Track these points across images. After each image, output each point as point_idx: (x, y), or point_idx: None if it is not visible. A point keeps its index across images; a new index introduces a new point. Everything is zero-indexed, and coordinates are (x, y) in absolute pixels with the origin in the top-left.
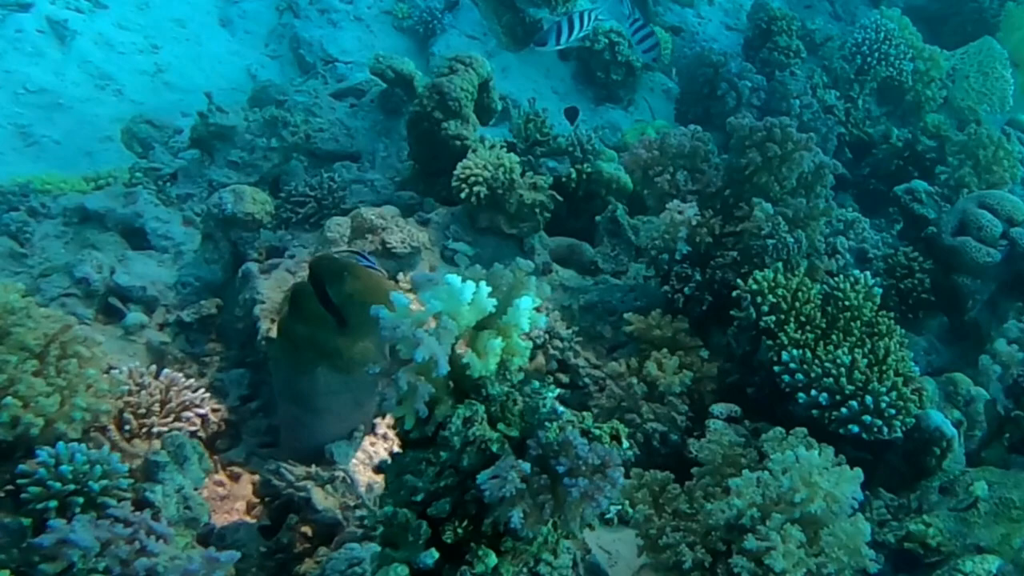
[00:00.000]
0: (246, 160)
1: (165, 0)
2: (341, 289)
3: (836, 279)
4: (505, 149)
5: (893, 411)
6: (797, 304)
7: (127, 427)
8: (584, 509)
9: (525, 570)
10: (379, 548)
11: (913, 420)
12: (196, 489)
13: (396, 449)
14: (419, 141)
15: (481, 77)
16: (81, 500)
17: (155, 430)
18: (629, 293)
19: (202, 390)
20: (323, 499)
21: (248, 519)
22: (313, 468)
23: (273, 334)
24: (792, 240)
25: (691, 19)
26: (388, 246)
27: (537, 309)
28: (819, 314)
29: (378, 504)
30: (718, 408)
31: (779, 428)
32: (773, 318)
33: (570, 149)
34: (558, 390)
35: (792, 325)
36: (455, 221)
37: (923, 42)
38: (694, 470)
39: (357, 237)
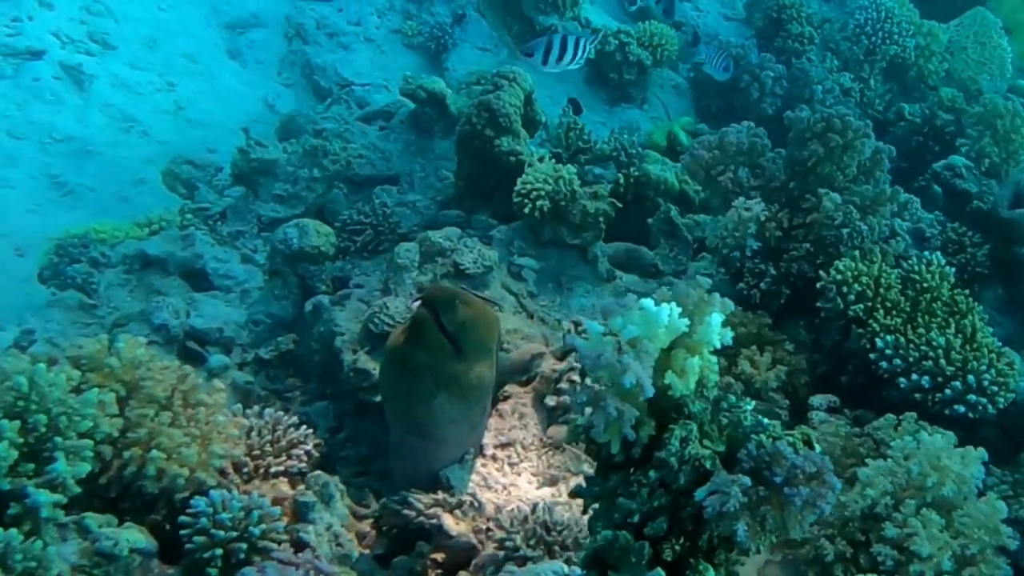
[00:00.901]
0: (290, 192)
1: (171, 36)
2: (454, 317)
3: (910, 262)
4: (553, 160)
5: (995, 388)
6: (881, 291)
7: (245, 469)
8: (806, 516)
9: None
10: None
11: (1013, 395)
12: (343, 526)
13: (588, 473)
14: (471, 159)
15: (525, 91)
16: (245, 546)
17: (272, 470)
18: None
19: (304, 427)
20: (454, 524)
21: (362, 549)
22: (440, 495)
23: (361, 365)
24: (866, 227)
25: (690, 12)
26: (461, 267)
27: None
28: (902, 298)
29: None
30: (817, 399)
31: (890, 415)
32: (861, 306)
33: (614, 154)
34: (754, 402)
35: (880, 312)
36: (518, 236)
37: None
38: None
39: (427, 261)
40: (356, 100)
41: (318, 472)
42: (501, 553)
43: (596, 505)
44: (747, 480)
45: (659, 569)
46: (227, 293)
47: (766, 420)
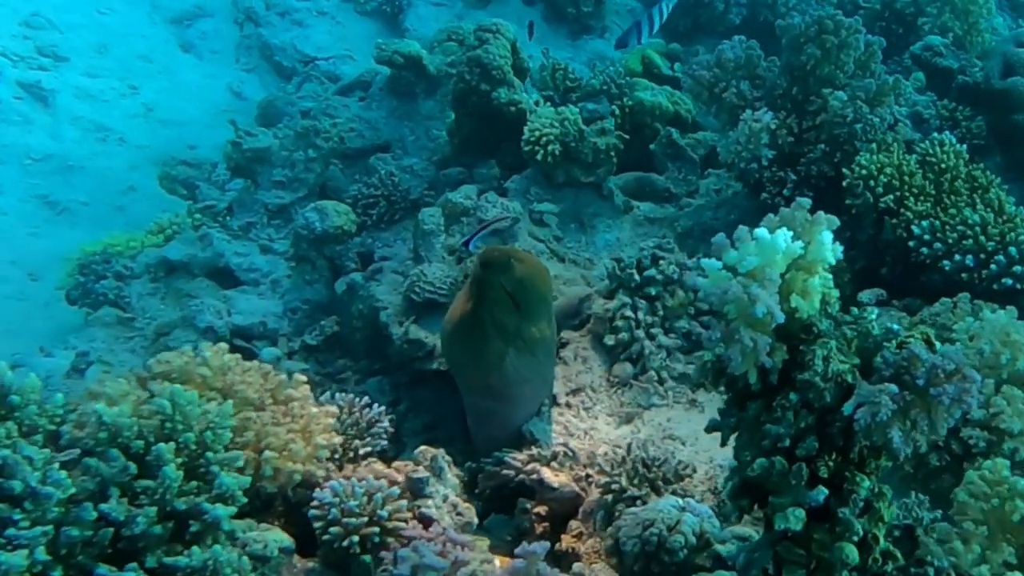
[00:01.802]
0: (290, 176)
1: (120, 39)
2: (512, 276)
3: (923, 145)
4: (548, 104)
5: None
6: (906, 178)
7: (336, 455)
8: (953, 413)
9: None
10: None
11: None
12: (456, 496)
13: (720, 406)
14: (471, 115)
15: (510, 40)
16: (377, 530)
17: (360, 452)
18: (718, 210)
19: (376, 405)
20: (554, 477)
21: None
22: (534, 450)
23: (413, 335)
24: (877, 119)
25: None
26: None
27: None
28: (926, 183)
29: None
30: (865, 295)
31: (945, 299)
32: (891, 197)
33: (604, 88)
34: (878, 310)
35: (911, 199)
36: (532, 183)
37: None
38: None
39: (453, 223)
40: (325, 75)
41: (423, 447)
42: (609, 496)
43: (736, 436)
44: (894, 388)
45: (821, 487)
46: (256, 286)
47: (895, 326)
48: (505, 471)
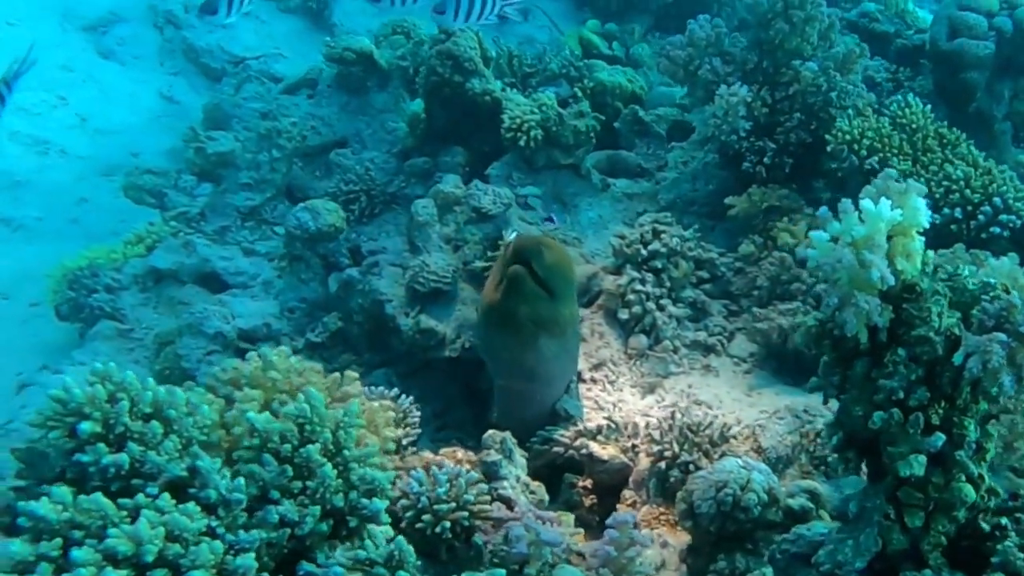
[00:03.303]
0: (256, 178)
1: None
2: (543, 262)
3: (892, 108)
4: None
5: (1020, 204)
6: (886, 140)
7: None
8: None
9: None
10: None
11: None
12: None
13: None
14: (445, 107)
15: (475, 31)
16: (466, 514)
17: (403, 442)
18: (696, 181)
19: (403, 396)
20: (602, 450)
21: None
22: (580, 426)
23: (425, 325)
24: (851, 86)
25: None
26: (482, 210)
27: None
28: (903, 143)
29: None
30: None
31: (942, 250)
32: (876, 158)
33: (563, 72)
34: (973, 266)
35: (895, 159)
36: (513, 168)
37: None
38: None
39: (446, 212)
40: (260, 74)
41: (492, 431)
42: (663, 464)
43: (845, 394)
44: (1003, 336)
45: (938, 433)
46: (245, 289)
47: (992, 280)
48: (556, 448)
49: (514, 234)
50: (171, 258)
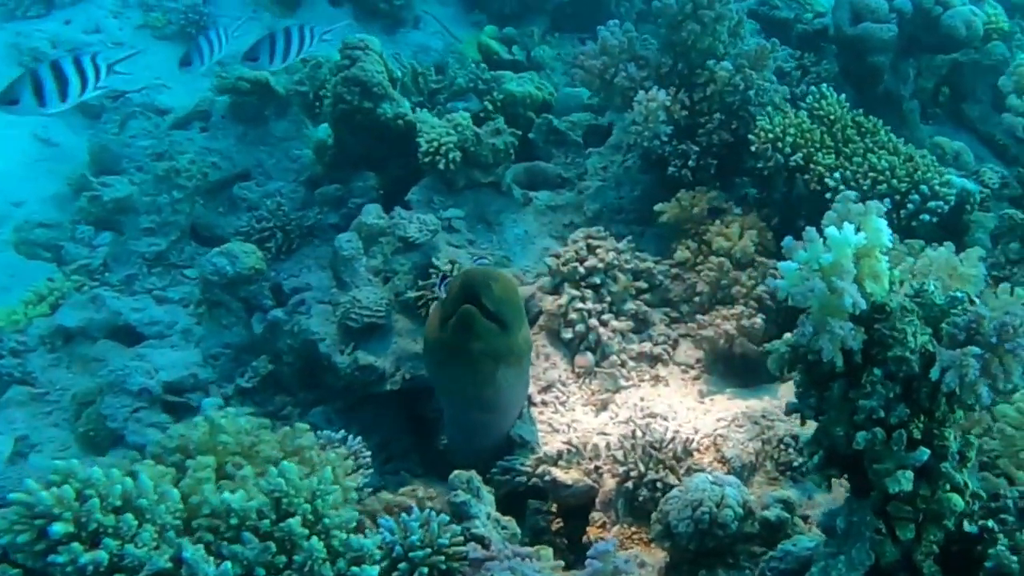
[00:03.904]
0: (158, 221)
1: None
2: (492, 296)
3: (808, 100)
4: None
5: (945, 189)
6: (807, 135)
7: None
8: None
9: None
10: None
11: (956, 187)
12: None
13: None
14: (355, 134)
15: (378, 53)
16: (442, 558)
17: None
18: (620, 188)
19: (351, 437)
20: (565, 474)
21: None
22: (540, 452)
23: (364, 361)
24: (767, 83)
25: None
26: (408, 239)
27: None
28: (824, 136)
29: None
30: None
31: None
32: (800, 155)
33: (471, 85)
34: (936, 282)
35: (819, 154)
36: (433, 192)
37: None
38: None
39: (371, 244)
40: (144, 108)
41: (458, 472)
42: (629, 484)
43: (823, 415)
44: (977, 350)
45: (922, 448)
46: (163, 339)
47: (959, 294)
48: (518, 478)
49: (447, 263)
50: (79, 315)
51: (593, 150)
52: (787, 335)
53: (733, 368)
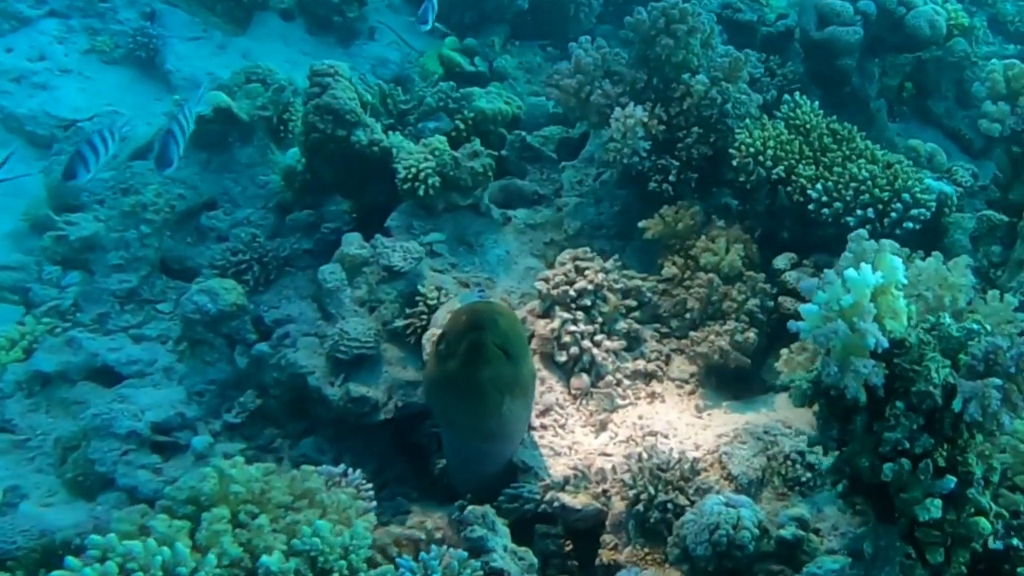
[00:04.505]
0: (127, 257)
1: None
2: (499, 330)
3: (783, 110)
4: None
5: (928, 197)
6: (787, 147)
7: None
8: None
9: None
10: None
11: (935, 193)
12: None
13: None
14: (329, 163)
15: (348, 78)
16: None
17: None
18: (600, 204)
19: (351, 470)
20: (573, 499)
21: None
22: (547, 479)
23: (356, 393)
24: (744, 96)
25: None
26: (393, 268)
27: None
28: (804, 146)
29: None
30: (780, 261)
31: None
32: (782, 167)
33: (441, 105)
34: (946, 314)
35: (800, 166)
36: (413, 217)
37: None
38: None
39: (355, 275)
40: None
41: (472, 507)
42: (640, 506)
43: (846, 447)
44: (998, 381)
45: (949, 476)
46: (143, 377)
47: (974, 326)
48: (527, 505)
49: (433, 290)
50: (55, 358)
51: (567, 163)
52: (800, 370)
53: (726, 380)
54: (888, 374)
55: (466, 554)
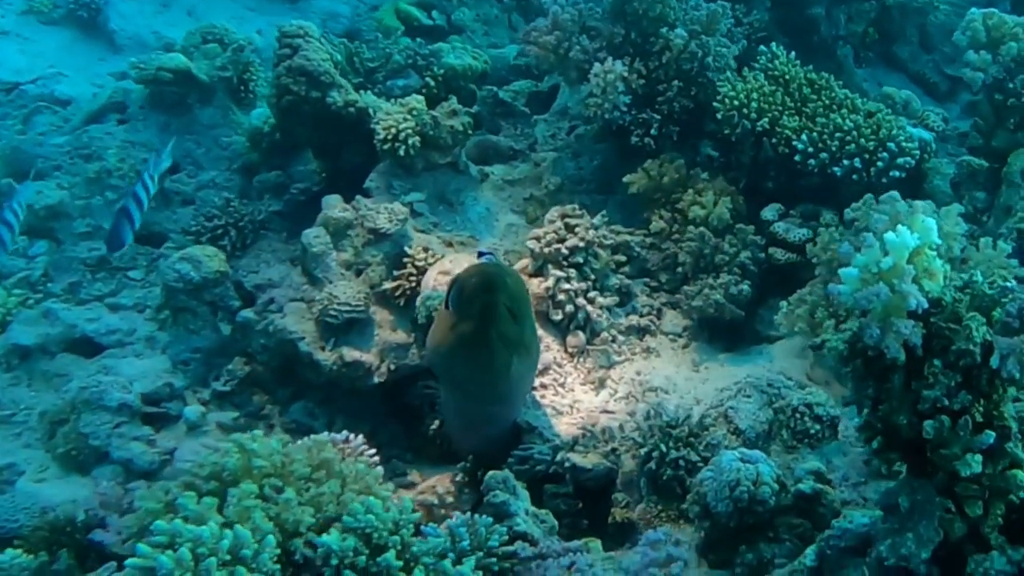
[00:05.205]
0: (94, 225)
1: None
2: (508, 291)
3: (761, 61)
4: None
5: (912, 145)
6: (770, 99)
7: None
8: None
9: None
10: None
11: (917, 140)
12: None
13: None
14: (305, 125)
15: (317, 38)
16: (494, 559)
17: None
18: (579, 159)
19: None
20: (584, 459)
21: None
22: (555, 439)
23: (350, 357)
24: (724, 49)
25: None
26: (379, 230)
27: None
28: (785, 97)
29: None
30: (768, 212)
31: (855, 204)
32: (766, 119)
33: (409, 62)
34: (978, 272)
35: (784, 117)
36: (392, 177)
37: None
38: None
39: (340, 238)
40: (43, 100)
41: (492, 472)
42: (652, 464)
43: (883, 405)
44: None
45: (988, 431)
46: (124, 347)
47: (1009, 283)
48: (538, 467)
49: (420, 252)
50: (32, 331)
51: (539, 117)
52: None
53: (719, 332)
54: (925, 333)
55: (491, 520)
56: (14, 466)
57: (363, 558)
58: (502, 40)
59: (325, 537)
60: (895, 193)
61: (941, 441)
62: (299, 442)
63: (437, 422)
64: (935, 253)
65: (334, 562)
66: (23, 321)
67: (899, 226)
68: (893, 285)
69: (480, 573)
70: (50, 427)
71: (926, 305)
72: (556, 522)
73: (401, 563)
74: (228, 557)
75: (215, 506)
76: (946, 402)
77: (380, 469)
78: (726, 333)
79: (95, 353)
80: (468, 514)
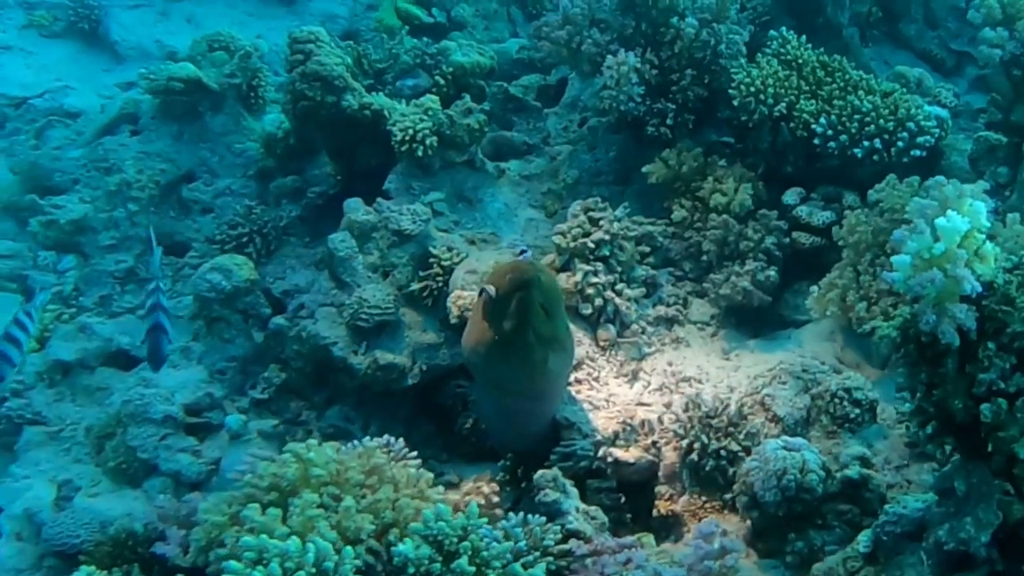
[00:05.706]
0: (119, 236)
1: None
2: (542, 289)
3: (773, 46)
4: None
5: (930, 123)
6: (785, 83)
7: None
8: None
9: None
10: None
11: (935, 120)
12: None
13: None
14: (323, 130)
15: (328, 43)
16: (552, 558)
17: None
18: (595, 151)
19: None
20: (626, 454)
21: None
22: (595, 435)
23: (384, 361)
24: (736, 37)
25: None
26: (404, 231)
27: None
28: (800, 81)
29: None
30: (790, 196)
31: (879, 185)
32: (783, 104)
33: (418, 62)
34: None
35: (801, 102)
36: (410, 178)
37: None
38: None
39: (366, 241)
40: (52, 114)
41: (542, 471)
42: (694, 455)
43: (936, 389)
44: None
45: None
46: None
47: None
48: (581, 463)
49: (446, 251)
50: (71, 346)
51: (549, 111)
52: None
53: (745, 319)
54: (978, 316)
55: (544, 519)
56: (71, 482)
57: (437, 565)
58: (502, 34)
59: (401, 547)
60: (941, 178)
61: (998, 424)
62: (347, 448)
63: (471, 420)
64: (984, 236)
65: (411, 571)
66: (61, 337)
67: (949, 211)
68: (947, 270)
69: None
70: (97, 441)
71: (980, 289)
72: (607, 519)
73: (474, 568)
74: (314, 570)
75: (279, 517)
76: (1001, 384)
77: (430, 473)
78: (753, 319)
79: (132, 365)
80: (521, 514)
